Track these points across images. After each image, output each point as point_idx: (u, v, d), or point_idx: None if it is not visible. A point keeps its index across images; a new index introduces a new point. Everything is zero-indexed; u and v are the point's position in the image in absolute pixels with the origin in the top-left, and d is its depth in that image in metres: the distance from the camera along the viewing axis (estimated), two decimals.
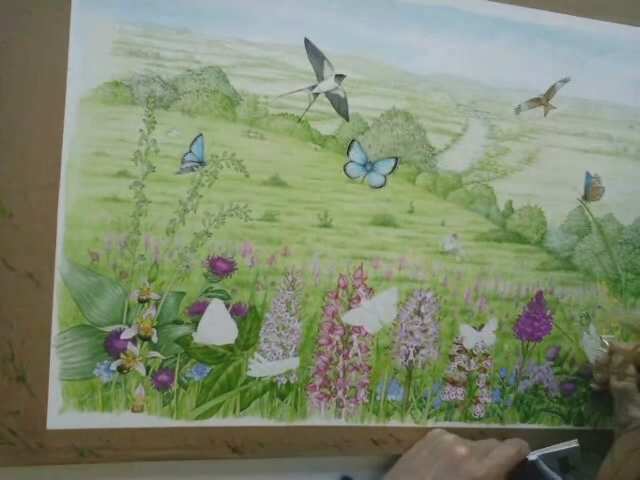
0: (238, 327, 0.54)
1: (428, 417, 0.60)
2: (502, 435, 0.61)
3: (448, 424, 0.60)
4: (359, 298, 0.57)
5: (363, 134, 0.55)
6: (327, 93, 0.54)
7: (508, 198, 0.59)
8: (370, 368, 0.58)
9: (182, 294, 0.53)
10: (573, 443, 0.58)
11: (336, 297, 0.56)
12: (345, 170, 0.55)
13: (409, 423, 0.59)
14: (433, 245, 0.58)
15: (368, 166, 0.55)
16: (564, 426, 0.63)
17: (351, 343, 0.57)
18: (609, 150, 0.61)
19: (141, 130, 0.50)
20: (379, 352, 0.58)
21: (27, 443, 0.50)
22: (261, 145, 0.53)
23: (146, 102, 0.50)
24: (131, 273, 0.51)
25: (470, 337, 0.60)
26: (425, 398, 0.59)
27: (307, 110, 0.53)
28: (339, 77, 0.53)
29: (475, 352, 0.60)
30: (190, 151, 0.51)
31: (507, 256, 0.60)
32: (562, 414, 0.63)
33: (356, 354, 0.57)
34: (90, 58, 0.48)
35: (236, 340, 0.54)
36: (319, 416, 0.57)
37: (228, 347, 0.54)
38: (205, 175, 0.52)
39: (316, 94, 0.53)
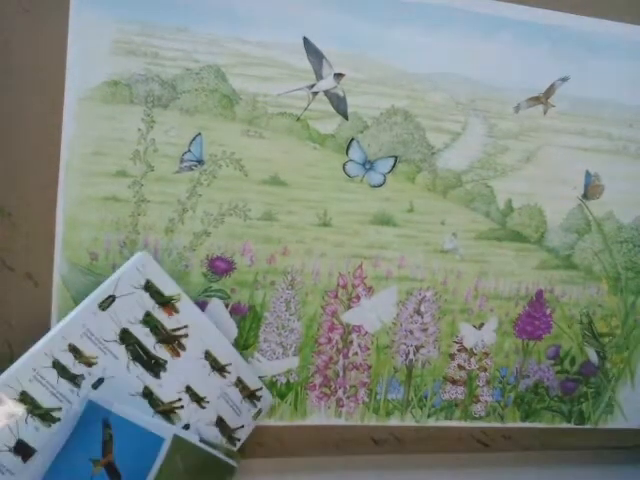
0: (237, 326, 0.54)
1: (428, 416, 0.60)
2: (502, 434, 0.61)
3: (448, 423, 0.60)
4: (359, 297, 0.57)
5: (362, 133, 0.55)
6: (326, 92, 0.54)
7: (508, 197, 0.59)
8: (370, 367, 0.58)
9: None
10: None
11: (336, 296, 0.56)
12: (344, 169, 0.55)
13: (409, 422, 0.59)
14: (433, 244, 0.58)
15: (367, 165, 0.55)
16: (565, 425, 0.63)
17: (351, 342, 0.57)
18: (609, 148, 0.61)
19: (140, 129, 0.50)
20: (379, 351, 0.58)
21: None
22: (260, 144, 0.53)
23: (145, 101, 0.50)
24: None
25: (470, 336, 0.60)
26: (425, 397, 0.59)
27: (306, 109, 0.53)
28: (338, 76, 0.53)
29: (475, 351, 0.60)
30: (189, 150, 0.51)
31: (507, 255, 0.60)
32: (562, 413, 0.63)
33: (356, 353, 0.57)
34: (89, 57, 0.48)
35: (235, 339, 0.54)
36: (319, 415, 0.57)
37: None
38: (204, 174, 0.52)
39: (315, 93, 0.53)
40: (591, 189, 0.61)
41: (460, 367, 0.60)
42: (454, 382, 0.60)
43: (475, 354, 0.60)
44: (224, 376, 0.50)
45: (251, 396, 0.51)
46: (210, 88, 0.51)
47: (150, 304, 0.47)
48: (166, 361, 0.47)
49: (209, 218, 0.52)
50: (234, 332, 0.54)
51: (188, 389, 0.48)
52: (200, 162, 0.52)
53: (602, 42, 0.60)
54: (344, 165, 0.55)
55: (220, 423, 0.50)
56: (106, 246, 0.50)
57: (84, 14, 0.48)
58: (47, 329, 0.49)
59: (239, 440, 0.52)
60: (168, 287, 0.48)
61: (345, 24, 0.53)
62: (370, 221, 0.56)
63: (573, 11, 0.58)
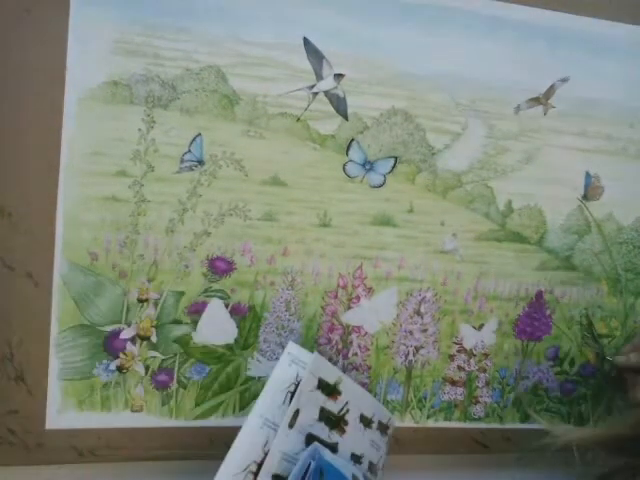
0: (237, 327, 0.54)
1: (428, 417, 0.60)
2: (502, 435, 0.61)
3: (447, 424, 0.60)
4: (359, 298, 0.57)
5: (362, 133, 0.55)
6: (326, 92, 0.54)
7: (508, 198, 0.59)
8: (370, 368, 0.58)
9: (181, 294, 0.52)
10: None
11: (335, 297, 0.56)
12: (344, 169, 0.55)
13: (409, 423, 0.59)
14: (433, 245, 0.58)
15: (367, 165, 0.55)
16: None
17: (351, 343, 0.57)
18: (609, 149, 0.61)
19: (140, 129, 0.50)
20: (379, 352, 0.58)
21: (26, 443, 0.50)
22: (260, 144, 0.53)
23: (145, 101, 0.50)
24: (130, 273, 0.51)
25: (470, 337, 0.60)
26: (425, 398, 0.59)
27: (306, 109, 0.53)
28: (338, 76, 0.53)
29: (475, 352, 0.60)
30: (189, 150, 0.51)
31: (507, 256, 0.60)
32: (562, 414, 0.63)
33: (355, 354, 0.57)
34: (89, 57, 0.48)
35: (235, 340, 0.54)
36: None
37: (227, 347, 0.54)
38: (204, 175, 0.52)
39: (315, 93, 0.53)
40: (591, 190, 0.61)
41: (460, 368, 0.60)
42: (453, 383, 0.60)
43: (475, 355, 0.60)
44: (371, 427, 0.50)
45: (384, 428, 0.52)
46: (210, 88, 0.51)
47: (322, 399, 0.47)
48: (337, 443, 0.47)
49: (209, 218, 0.52)
50: (234, 332, 0.54)
51: (352, 456, 0.48)
52: (200, 162, 0.52)
53: (602, 42, 0.60)
54: (344, 165, 0.55)
55: (370, 467, 0.50)
56: (106, 246, 0.50)
57: (84, 14, 0.48)
58: (47, 329, 0.49)
59: (379, 469, 0.52)
60: (331, 374, 0.47)
61: (345, 24, 0.53)
62: (370, 222, 0.56)
63: (573, 11, 0.58)
